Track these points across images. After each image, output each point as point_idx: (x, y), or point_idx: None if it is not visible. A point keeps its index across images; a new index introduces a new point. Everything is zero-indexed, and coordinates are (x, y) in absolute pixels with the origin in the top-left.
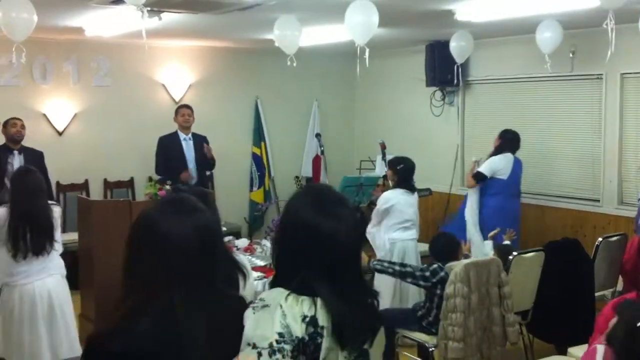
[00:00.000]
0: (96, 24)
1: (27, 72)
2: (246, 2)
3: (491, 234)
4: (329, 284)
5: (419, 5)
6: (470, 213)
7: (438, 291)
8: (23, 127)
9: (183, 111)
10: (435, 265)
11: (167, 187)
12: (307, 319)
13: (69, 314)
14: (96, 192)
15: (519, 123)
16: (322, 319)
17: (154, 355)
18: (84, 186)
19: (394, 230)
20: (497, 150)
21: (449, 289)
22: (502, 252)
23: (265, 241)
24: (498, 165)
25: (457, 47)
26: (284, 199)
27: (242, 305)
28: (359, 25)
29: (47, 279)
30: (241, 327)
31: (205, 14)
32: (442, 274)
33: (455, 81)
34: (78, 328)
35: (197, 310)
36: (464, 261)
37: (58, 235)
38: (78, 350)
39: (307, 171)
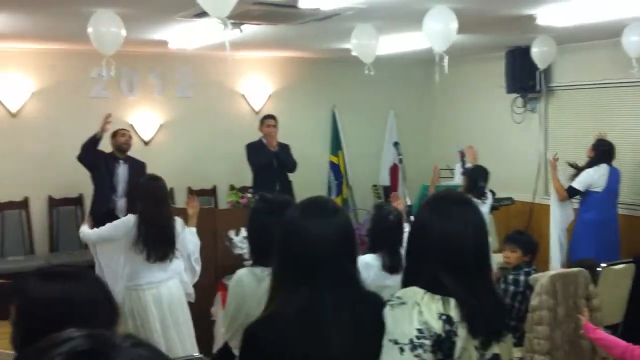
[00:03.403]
0: (180, 36)
1: (114, 85)
2: (324, 12)
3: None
4: (458, 280)
5: (499, 10)
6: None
7: (516, 304)
8: (131, 137)
9: (268, 122)
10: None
11: (249, 195)
12: (444, 317)
13: (188, 314)
14: (181, 200)
15: (604, 130)
16: (456, 317)
17: (300, 343)
18: (170, 194)
19: None
20: (591, 162)
21: (534, 301)
22: (584, 266)
23: None
24: (592, 179)
25: (539, 53)
26: (362, 207)
27: (381, 302)
28: (437, 32)
29: (169, 282)
30: (382, 323)
31: (284, 25)
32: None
33: (538, 87)
34: None
35: (342, 304)
36: (550, 272)
37: (180, 244)
38: (196, 350)
39: (384, 180)
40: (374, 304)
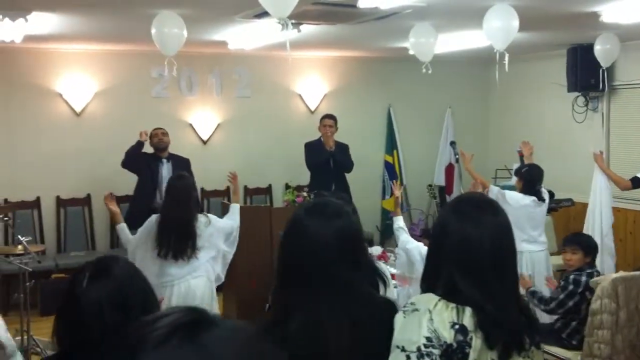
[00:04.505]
0: (239, 37)
1: (174, 85)
2: (383, 12)
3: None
4: (475, 286)
5: (561, 8)
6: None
7: (570, 303)
8: (164, 134)
9: (325, 122)
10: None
11: (304, 194)
12: (457, 327)
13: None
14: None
15: None
16: (471, 327)
17: (303, 353)
18: (226, 192)
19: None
20: None
21: (595, 304)
22: None
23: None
24: None
25: (603, 51)
26: (417, 207)
27: (392, 308)
28: (498, 30)
29: (192, 280)
30: (390, 330)
31: (342, 25)
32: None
33: (601, 86)
34: None
35: (340, 312)
36: (612, 275)
37: (202, 243)
38: None
39: (439, 180)
40: (381, 311)
